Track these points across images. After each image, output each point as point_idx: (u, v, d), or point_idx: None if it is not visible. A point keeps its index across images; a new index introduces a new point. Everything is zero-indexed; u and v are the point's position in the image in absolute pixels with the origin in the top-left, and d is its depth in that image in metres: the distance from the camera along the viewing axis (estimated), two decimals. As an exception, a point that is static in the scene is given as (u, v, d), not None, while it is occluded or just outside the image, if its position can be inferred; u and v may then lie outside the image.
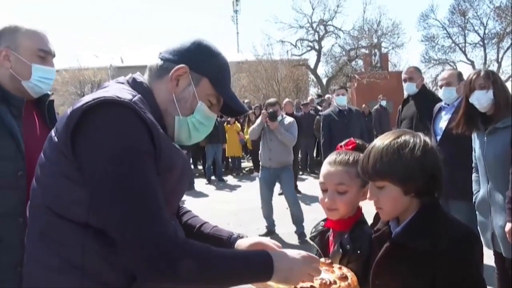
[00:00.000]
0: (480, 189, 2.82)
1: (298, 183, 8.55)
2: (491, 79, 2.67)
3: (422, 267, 1.24)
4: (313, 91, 25.38)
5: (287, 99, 9.39)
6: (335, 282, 1.27)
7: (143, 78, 1.27)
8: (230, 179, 10.87)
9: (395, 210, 1.32)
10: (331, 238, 1.58)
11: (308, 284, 1.23)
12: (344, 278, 1.29)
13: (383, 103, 12.12)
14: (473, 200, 2.89)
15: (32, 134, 1.64)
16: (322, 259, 1.36)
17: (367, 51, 25.11)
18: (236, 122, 10.99)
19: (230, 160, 11.80)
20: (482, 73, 2.71)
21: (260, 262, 1.16)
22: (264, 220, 5.74)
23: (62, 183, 1.08)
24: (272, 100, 5.87)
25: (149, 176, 1.07)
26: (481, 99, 2.68)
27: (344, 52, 25.13)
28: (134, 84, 1.22)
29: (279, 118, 5.49)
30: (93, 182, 1.05)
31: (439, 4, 52.66)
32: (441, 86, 3.56)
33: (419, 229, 1.28)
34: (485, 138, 2.69)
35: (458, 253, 1.22)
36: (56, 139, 1.10)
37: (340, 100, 5.99)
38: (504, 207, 2.55)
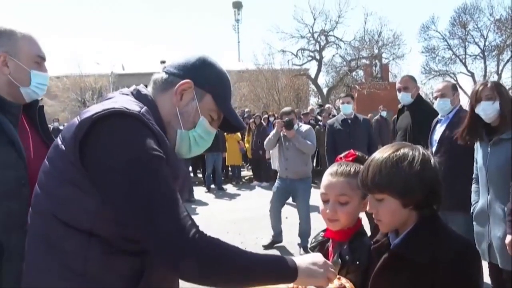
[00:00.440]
0: (480, 199, 2.82)
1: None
2: (498, 91, 2.68)
3: (421, 279, 1.24)
4: (313, 101, 25.51)
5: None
6: (334, 293, 1.28)
7: (147, 90, 1.28)
8: (229, 188, 10.82)
9: (394, 222, 1.33)
10: (330, 248, 1.58)
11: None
12: (342, 288, 1.30)
13: (384, 113, 12.14)
14: (471, 211, 2.89)
15: (25, 141, 1.59)
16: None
17: (367, 62, 25.24)
18: (237, 130, 10.97)
19: (230, 168, 11.78)
20: (489, 84, 2.72)
21: (284, 262, 1.17)
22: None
23: (69, 191, 1.09)
24: (287, 109, 5.73)
25: (166, 176, 1.08)
26: (487, 110, 2.67)
27: (345, 63, 25.25)
28: (139, 96, 1.24)
29: (295, 126, 5.40)
30: (110, 190, 1.06)
31: (439, 15, 53.36)
32: (435, 98, 3.58)
33: (418, 241, 1.29)
34: (489, 148, 2.69)
35: (457, 265, 1.22)
36: (63, 147, 1.11)
37: (345, 109, 5.61)
38: (503, 218, 2.55)
